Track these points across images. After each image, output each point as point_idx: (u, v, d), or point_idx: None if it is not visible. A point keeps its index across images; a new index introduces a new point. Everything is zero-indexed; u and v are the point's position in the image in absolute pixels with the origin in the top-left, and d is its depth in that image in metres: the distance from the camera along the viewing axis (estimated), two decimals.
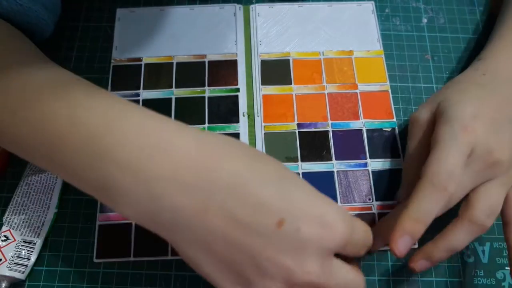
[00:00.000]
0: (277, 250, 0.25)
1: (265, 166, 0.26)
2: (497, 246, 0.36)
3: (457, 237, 0.30)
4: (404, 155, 0.36)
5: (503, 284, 0.35)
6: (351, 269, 0.28)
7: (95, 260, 0.35)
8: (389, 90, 0.41)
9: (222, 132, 0.39)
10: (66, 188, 0.37)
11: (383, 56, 0.42)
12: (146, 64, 0.42)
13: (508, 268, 0.35)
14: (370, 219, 0.36)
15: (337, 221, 0.26)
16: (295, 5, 0.44)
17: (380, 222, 0.35)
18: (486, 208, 0.30)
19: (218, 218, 0.24)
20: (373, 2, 0.45)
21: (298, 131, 0.39)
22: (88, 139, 0.25)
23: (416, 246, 0.35)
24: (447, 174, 0.29)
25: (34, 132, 0.27)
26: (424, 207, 0.29)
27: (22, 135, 0.27)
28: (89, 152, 0.25)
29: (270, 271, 0.25)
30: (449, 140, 0.30)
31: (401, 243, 0.29)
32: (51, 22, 0.38)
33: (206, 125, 0.39)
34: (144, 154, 0.25)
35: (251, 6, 0.44)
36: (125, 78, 0.41)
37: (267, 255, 0.25)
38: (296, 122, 0.40)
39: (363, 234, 0.28)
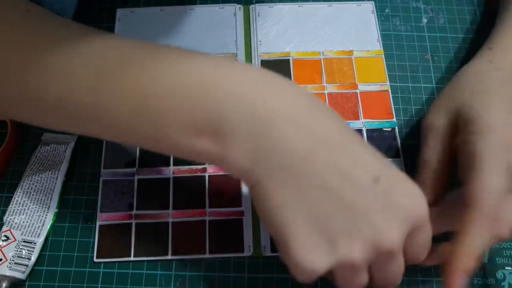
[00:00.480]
0: (370, 206, 0.25)
1: (356, 135, 0.28)
2: (497, 246, 0.36)
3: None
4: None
5: (502, 284, 0.35)
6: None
7: (95, 260, 0.35)
8: (389, 90, 0.41)
9: None
10: (66, 188, 0.37)
11: (383, 56, 0.42)
12: None
13: (509, 268, 0.35)
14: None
15: (423, 197, 0.26)
16: (295, 5, 0.45)
17: None
18: (510, 222, 0.29)
19: (321, 163, 0.25)
20: (373, 2, 0.45)
21: None
22: (198, 86, 0.26)
23: None
24: (496, 202, 0.28)
25: (128, 100, 0.26)
26: (479, 241, 0.28)
27: (114, 106, 0.27)
28: (199, 96, 0.26)
29: (360, 228, 0.25)
30: (491, 159, 0.29)
31: (460, 282, 0.28)
32: (72, 10, 0.38)
33: None
34: (258, 94, 0.26)
35: (251, 6, 0.44)
36: None
37: (361, 209, 0.25)
38: None
39: (429, 231, 0.28)
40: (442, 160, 0.32)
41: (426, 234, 0.28)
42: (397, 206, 0.25)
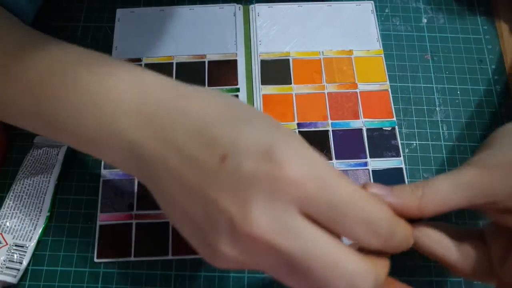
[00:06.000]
0: (219, 191, 0.21)
1: (232, 108, 0.24)
2: None
3: None
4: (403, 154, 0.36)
5: None
6: (338, 242, 0.21)
7: (95, 260, 0.35)
8: (389, 89, 0.41)
9: None
10: (66, 188, 0.37)
11: (382, 55, 0.42)
12: (146, 64, 0.42)
13: None
14: None
15: (291, 158, 0.20)
16: (294, 5, 0.45)
17: None
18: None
19: (173, 156, 0.22)
20: (372, 2, 0.45)
21: (298, 131, 0.39)
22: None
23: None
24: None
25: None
26: None
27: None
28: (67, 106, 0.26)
29: (214, 218, 0.21)
30: None
31: None
32: (31, 12, 0.37)
33: None
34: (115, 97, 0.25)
35: (251, 6, 0.44)
36: None
37: (212, 197, 0.21)
38: (296, 121, 0.40)
39: (353, 199, 0.21)
40: None
41: (338, 213, 0.20)
42: (250, 181, 0.20)
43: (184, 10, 0.44)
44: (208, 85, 0.41)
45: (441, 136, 0.40)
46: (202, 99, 0.24)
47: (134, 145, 0.24)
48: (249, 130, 0.22)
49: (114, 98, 0.25)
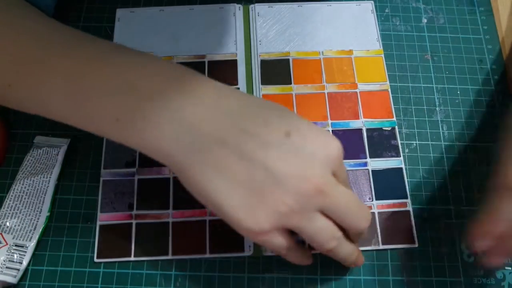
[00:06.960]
0: (287, 158, 0.27)
1: (262, 100, 0.31)
2: None
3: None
4: (403, 154, 0.37)
5: (502, 284, 0.35)
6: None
7: (95, 260, 0.35)
8: (389, 89, 0.41)
9: None
10: (66, 188, 0.37)
11: (382, 55, 0.42)
12: None
13: (509, 268, 0.35)
14: (371, 219, 0.36)
15: (333, 138, 0.29)
16: (294, 5, 0.45)
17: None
18: None
19: (231, 133, 0.27)
20: (372, 1, 0.45)
21: None
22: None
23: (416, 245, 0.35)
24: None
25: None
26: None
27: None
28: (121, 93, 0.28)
29: (281, 180, 0.27)
30: None
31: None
32: (51, 4, 0.38)
33: None
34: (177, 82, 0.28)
35: (251, 6, 0.44)
36: None
37: (277, 163, 0.27)
38: None
39: (345, 171, 0.32)
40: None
41: (344, 174, 0.31)
42: (312, 154, 0.27)
43: (184, 10, 0.44)
44: None
45: (441, 136, 0.40)
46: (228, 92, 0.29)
47: (182, 121, 0.27)
48: (298, 119, 0.29)
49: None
